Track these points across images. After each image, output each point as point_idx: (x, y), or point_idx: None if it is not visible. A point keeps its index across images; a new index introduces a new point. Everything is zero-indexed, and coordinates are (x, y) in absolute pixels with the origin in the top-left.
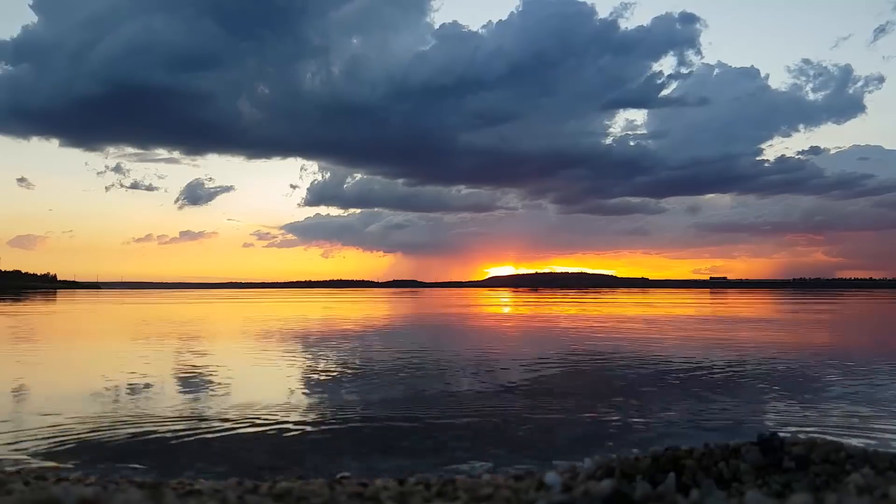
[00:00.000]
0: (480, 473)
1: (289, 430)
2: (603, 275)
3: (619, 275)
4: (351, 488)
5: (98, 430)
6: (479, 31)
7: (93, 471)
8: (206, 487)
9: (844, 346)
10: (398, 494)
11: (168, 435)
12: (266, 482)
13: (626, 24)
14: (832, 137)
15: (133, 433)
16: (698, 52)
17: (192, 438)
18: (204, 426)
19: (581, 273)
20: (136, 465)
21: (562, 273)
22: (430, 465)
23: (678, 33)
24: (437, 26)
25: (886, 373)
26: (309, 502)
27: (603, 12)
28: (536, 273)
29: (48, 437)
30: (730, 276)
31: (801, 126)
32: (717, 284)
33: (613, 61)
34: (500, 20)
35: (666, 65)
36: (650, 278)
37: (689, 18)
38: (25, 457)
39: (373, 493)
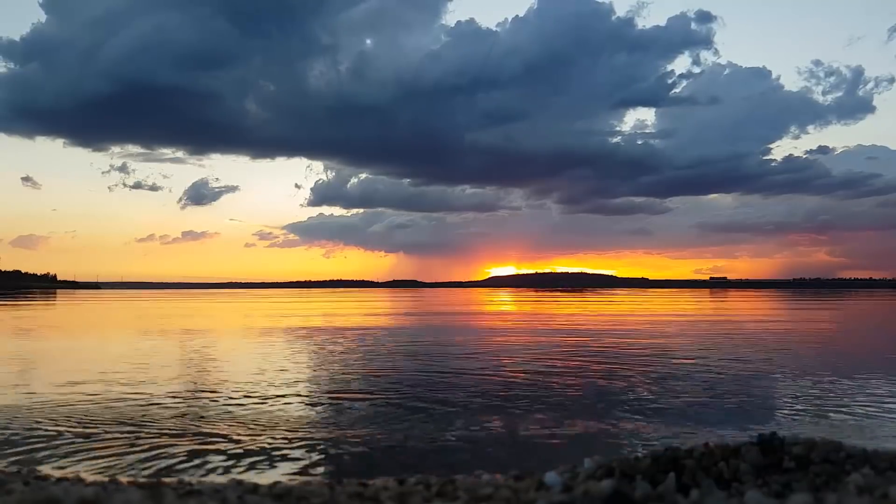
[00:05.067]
0: (480, 473)
1: (289, 430)
2: (603, 275)
3: (619, 275)
4: (351, 488)
5: (97, 430)
6: (495, 28)
7: (93, 471)
8: (206, 487)
9: (843, 346)
10: (398, 494)
11: (168, 434)
12: (266, 482)
13: (644, 22)
14: (840, 138)
15: (133, 433)
16: (716, 53)
17: (192, 438)
18: (203, 425)
19: (581, 273)
20: (137, 465)
21: (562, 273)
22: (430, 466)
23: (694, 33)
24: (452, 24)
25: (886, 373)
26: (309, 502)
27: (619, 10)
28: (536, 273)
29: (48, 437)
30: (731, 277)
31: (809, 127)
32: (717, 284)
33: (627, 60)
34: (517, 16)
35: (679, 64)
36: (650, 278)
37: (705, 17)
38: (25, 457)
39: (373, 493)
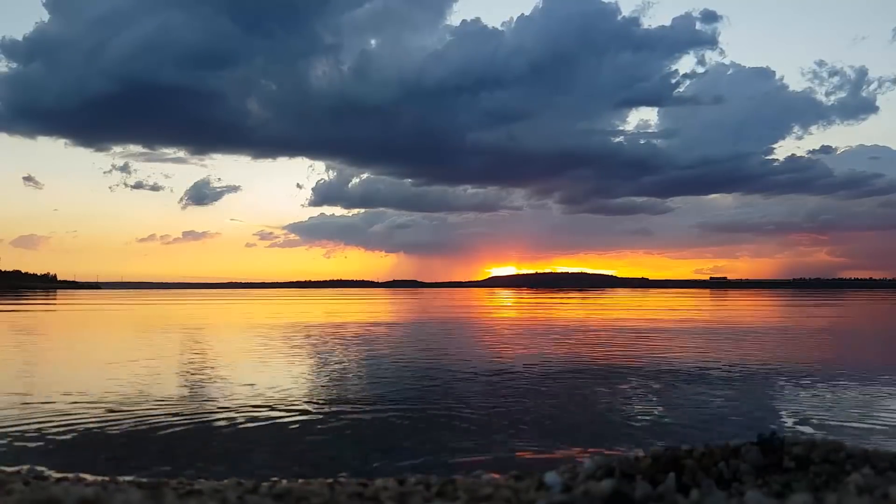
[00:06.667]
0: (480, 473)
1: (289, 429)
2: (603, 275)
3: (619, 275)
4: (351, 488)
5: (97, 430)
6: (500, 28)
7: (93, 471)
8: (206, 487)
9: (842, 346)
10: (398, 494)
11: (168, 434)
12: (266, 482)
13: (649, 21)
14: (843, 138)
15: (132, 432)
16: (721, 53)
17: (192, 438)
18: (203, 425)
19: (581, 273)
20: (136, 465)
21: (562, 273)
22: (430, 465)
23: (699, 33)
24: (457, 24)
25: (886, 373)
26: (309, 502)
27: (625, 10)
28: (536, 273)
29: (48, 437)
30: (731, 277)
31: (812, 127)
32: (717, 285)
33: (632, 59)
34: (523, 15)
35: (684, 64)
36: (650, 278)
37: (710, 17)
38: (26, 457)
39: (373, 493)
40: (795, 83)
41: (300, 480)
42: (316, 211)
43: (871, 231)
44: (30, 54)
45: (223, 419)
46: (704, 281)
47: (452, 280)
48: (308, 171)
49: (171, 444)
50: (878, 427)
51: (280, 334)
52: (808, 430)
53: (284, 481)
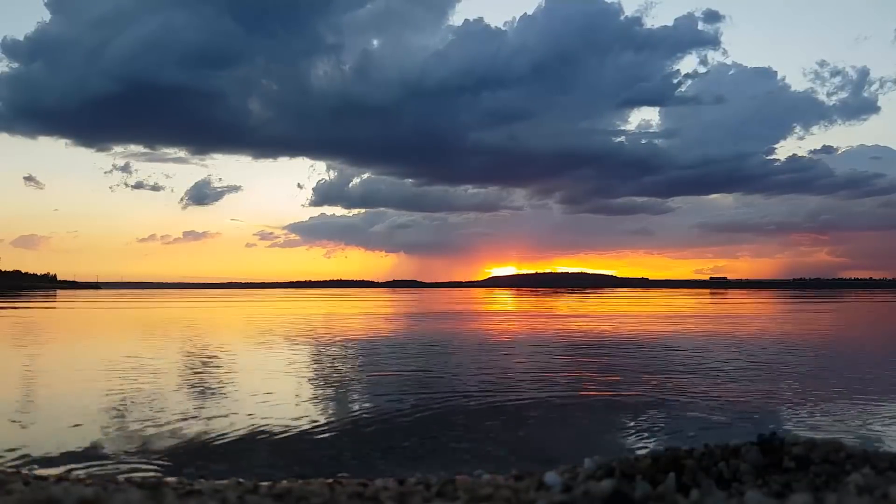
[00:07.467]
0: (480, 473)
1: (289, 430)
2: (603, 275)
3: (619, 275)
4: (351, 488)
5: (98, 430)
6: (503, 27)
7: (93, 471)
8: (206, 487)
9: (842, 346)
10: (398, 494)
11: (168, 434)
12: (266, 482)
13: (652, 21)
14: (844, 138)
15: (132, 433)
16: (724, 53)
17: (192, 438)
18: (204, 426)
19: (581, 273)
20: (137, 465)
21: (562, 273)
22: (430, 465)
23: (701, 33)
24: (460, 23)
25: (886, 373)
26: (309, 502)
27: (628, 10)
28: (536, 273)
29: (48, 437)
30: (731, 277)
31: (814, 128)
32: (717, 284)
33: (634, 59)
34: (525, 14)
35: (686, 63)
36: (650, 278)
37: (712, 17)
38: (26, 457)
39: (373, 493)
40: (797, 83)
41: (300, 480)
42: (316, 211)
43: (872, 231)
44: (31, 54)
45: (223, 419)
46: (704, 281)
47: (453, 280)
48: (309, 171)
49: (172, 443)
50: (877, 428)
51: (280, 335)
52: (808, 430)
53: (284, 481)
